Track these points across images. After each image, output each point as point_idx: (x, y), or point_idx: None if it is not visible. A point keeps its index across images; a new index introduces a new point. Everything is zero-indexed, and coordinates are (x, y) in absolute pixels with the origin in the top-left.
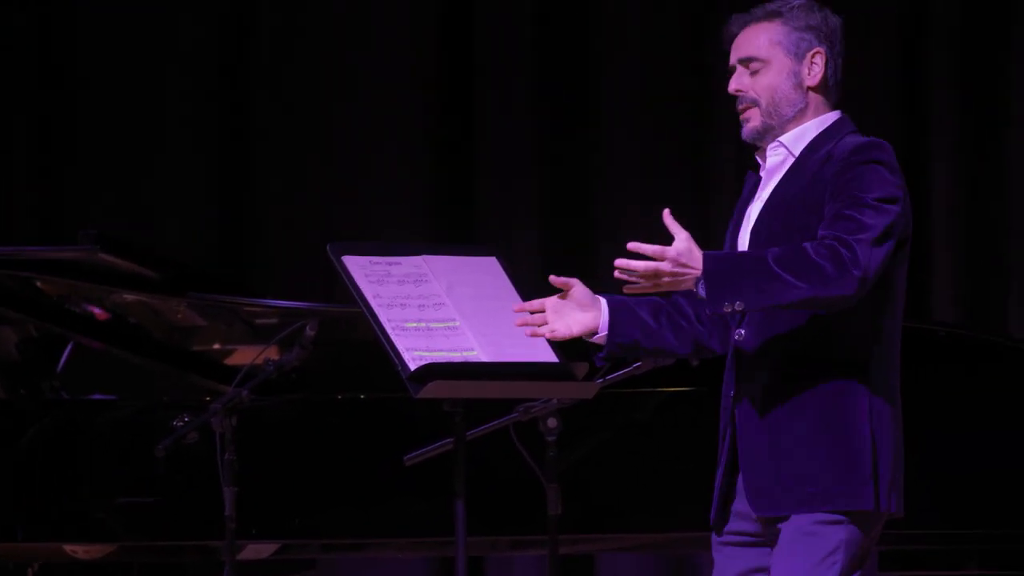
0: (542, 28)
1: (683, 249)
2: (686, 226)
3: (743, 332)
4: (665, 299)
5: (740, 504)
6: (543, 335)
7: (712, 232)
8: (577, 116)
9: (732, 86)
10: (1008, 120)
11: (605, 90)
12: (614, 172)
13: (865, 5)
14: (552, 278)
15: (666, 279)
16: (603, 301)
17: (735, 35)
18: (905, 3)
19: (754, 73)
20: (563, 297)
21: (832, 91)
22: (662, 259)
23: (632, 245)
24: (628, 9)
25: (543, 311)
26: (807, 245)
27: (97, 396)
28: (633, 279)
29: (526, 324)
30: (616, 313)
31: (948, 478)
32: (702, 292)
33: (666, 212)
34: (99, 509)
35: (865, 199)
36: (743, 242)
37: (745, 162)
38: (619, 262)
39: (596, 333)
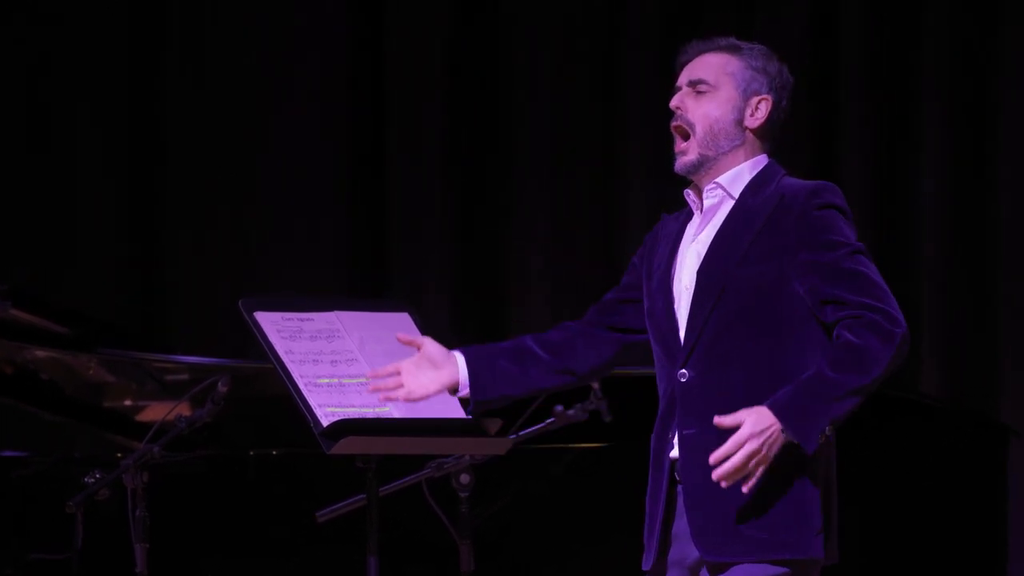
0: (454, 81)
1: (754, 422)
2: (595, 287)
3: (687, 373)
4: (520, 340)
5: (675, 552)
6: (398, 398)
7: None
8: (489, 175)
9: (673, 102)
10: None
11: (518, 151)
12: (525, 227)
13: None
14: (399, 336)
15: (763, 452)
16: (459, 356)
17: (690, 60)
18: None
19: (699, 95)
20: (418, 358)
21: (767, 139)
22: (741, 447)
23: (715, 458)
24: (539, 71)
25: (398, 374)
26: (844, 332)
27: (8, 452)
28: (739, 474)
29: (377, 389)
30: (476, 369)
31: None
32: (795, 439)
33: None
34: (9, 565)
35: (855, 245)
36: (686, 281)
37: (655, 220)
38: (719, 471)
39: (457, 390)
